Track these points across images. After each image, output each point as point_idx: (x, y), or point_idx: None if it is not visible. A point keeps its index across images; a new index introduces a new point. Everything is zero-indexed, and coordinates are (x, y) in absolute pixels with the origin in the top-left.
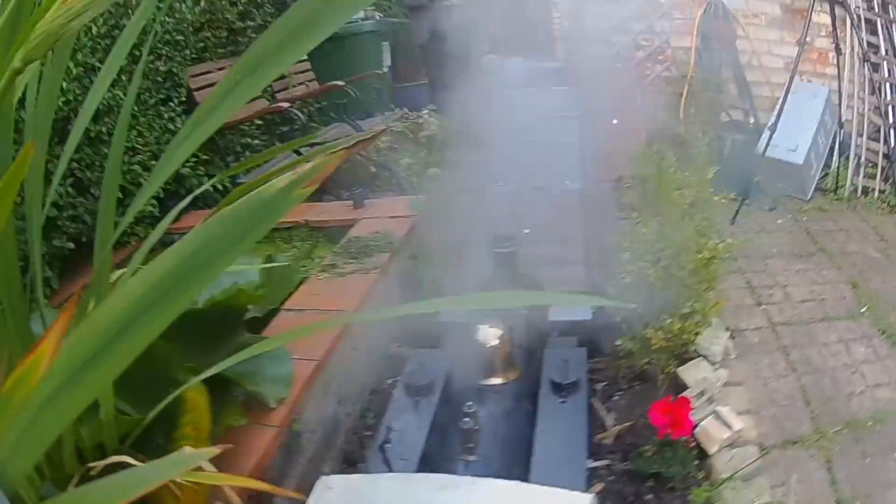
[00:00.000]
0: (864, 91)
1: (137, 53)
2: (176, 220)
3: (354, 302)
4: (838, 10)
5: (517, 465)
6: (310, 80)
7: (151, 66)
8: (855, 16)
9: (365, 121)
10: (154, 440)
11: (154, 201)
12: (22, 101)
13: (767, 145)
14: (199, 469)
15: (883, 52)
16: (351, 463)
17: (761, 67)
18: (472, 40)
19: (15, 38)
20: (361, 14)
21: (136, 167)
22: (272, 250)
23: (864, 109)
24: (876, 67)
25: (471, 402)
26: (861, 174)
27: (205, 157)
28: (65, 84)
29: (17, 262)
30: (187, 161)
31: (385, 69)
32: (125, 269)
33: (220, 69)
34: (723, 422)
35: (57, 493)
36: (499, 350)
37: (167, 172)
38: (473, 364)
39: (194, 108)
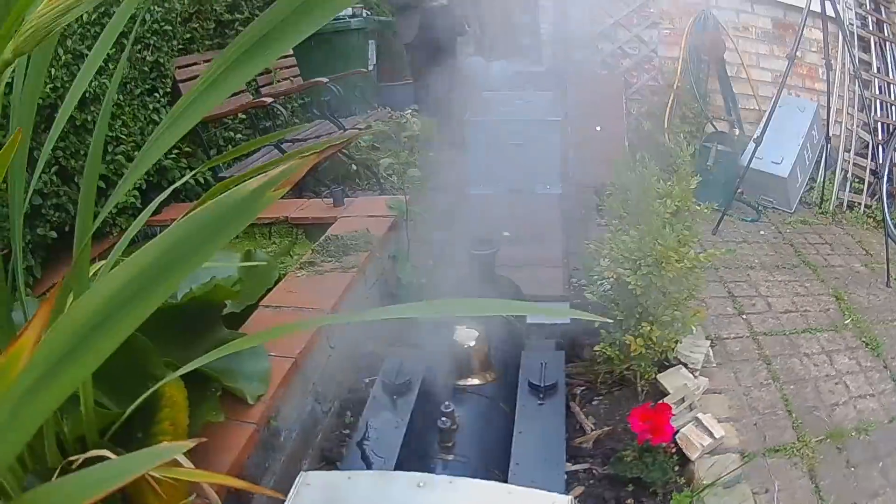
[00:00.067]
0: (854, 107)
1: (125, 42)
2: (157, 212)
3: (332, 301)
4: (831, 27)
5: (495, 466)
6: (294, 76)
7: (138, 55)
8: (848, 33)
9: (348, 119)
10: (133, 434)
11: (136, 192)
12: (10, 86)
13: (752, 157)
14: (177, 465)
15: (875, 70)
16: (329, 461)
17: (749, 80)
18: (457, 42)
19: (3, 25)
20: (349, 11)
21: (119, 157)
22: (252, 245)
23: (852, 125)
24: (867, 85)
25: (448, 402)
26: (847, 189)
27: (187, 149)
28: (53, 71)
29: None
30: (170, 153)
31: (370, 68)
32: (105, 261)
33: (207, 61)
34: (704, 429)
35: (39, 485)
36: (476, 351)
37: (147, 164)
38: (451, 364)
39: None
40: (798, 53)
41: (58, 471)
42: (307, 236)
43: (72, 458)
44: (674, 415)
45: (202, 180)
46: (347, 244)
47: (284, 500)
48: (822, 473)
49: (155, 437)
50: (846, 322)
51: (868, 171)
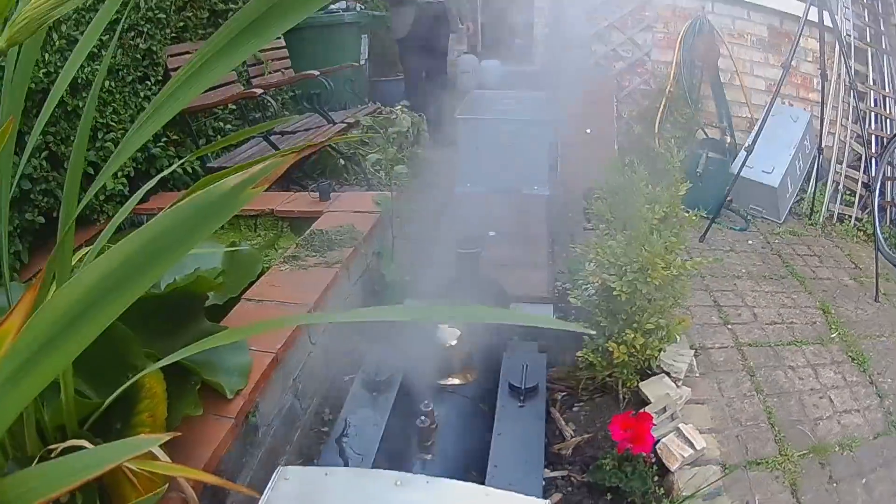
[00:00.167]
0: (848, 119)
1: (119, 29)
2: (145, 200)
3: (315, 296)
4: (828, 37)
5: (473, 467)
6: (286, 68)
7: (131, 42)
8: (845, 43)
9: (338, 112)
10: (112, 425)
11: (124, 180)
12: (1, 69)
13: (743, 165)
14: (154, 458)
15: (871, 82)
16: (308, 457)
17: (742, 87)
18: (450, 39)
19: None
20: (342, 4)
21: (109, 144)
22: (237, 237)
23: (846, 137)
24: (862, 96)
25: (428, 401)
26: (838, 201)
27: (176, 138)
28: (47, 56)
29: None
30: (158, 142)
31: (362, 62)
32: (91, 247)
33: None
34: (685, 439)
35: (18, 471)
36: (457, 350)
37: (131, 149)
38: (432, 363)
39: None
40: (793, 62)
41: (37, 459)
42: (292, 230)
43: (51, 447)
44: (655, 424)
45: (190, 169)
46: (332, 239)
47: (261, 495)
48: (803, 488)
49: (133, 429)
50: (833, 336)
51: (860, 183)
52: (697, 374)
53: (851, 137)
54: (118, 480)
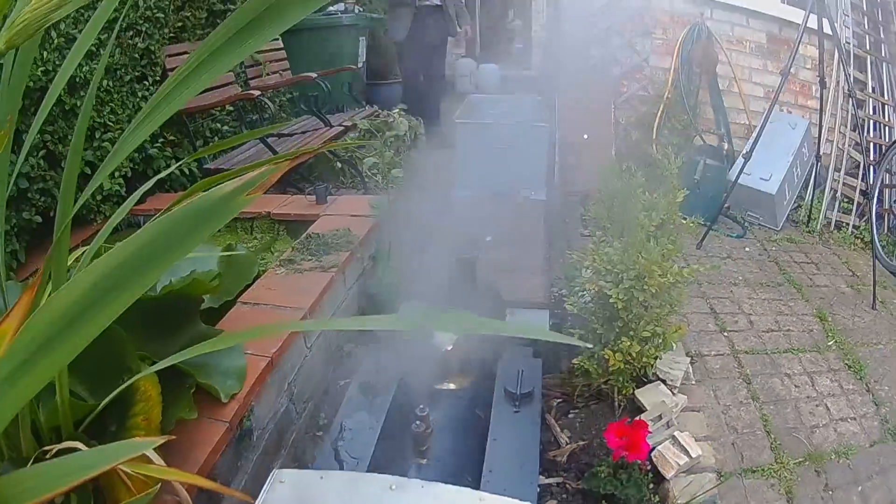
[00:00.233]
0: (847, 126)
1: (119, 27)
2: (142, 201)
3: (310, 300)
4: (827, 44)
5: (468, 472)
6: (284, 70)
7: (130, 41)
8: (844, 51)
9: (335, 115)
10: (107, 427)
11: (121, 181)
12: None
13: (740, 172)
14: (148, 461)
15: (870, 90)
16: (303, 461)
17: (740, 94)
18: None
19: None
20: (341, 6)
21: (106, 144)
22: (233, 240)
23: (844, 144)
24: (861, 104)
25: (423, 406)
26: (836, 208)
27: (173, 139)
28: (45, 54)
29: None
30: (156, 143)
31: (360, 65)
32: (88, 247)
33: None
34: (680, 447)
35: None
36: (453, 355)
37: (127, 149)
38: (428, 367)
39: None
40: (792, 69)
41: (32, 460)
42: (289, 233)
43: (46, 448)
44: (650, 432)
45: (187, 171)
46: (328, 243)
47: (256, 498)
48: (799, 496)
49: (128, 431)
50: (829, 343)
51: (858, 191)
52: (693, 382)
53: (850, 145)
54: (113, 483)
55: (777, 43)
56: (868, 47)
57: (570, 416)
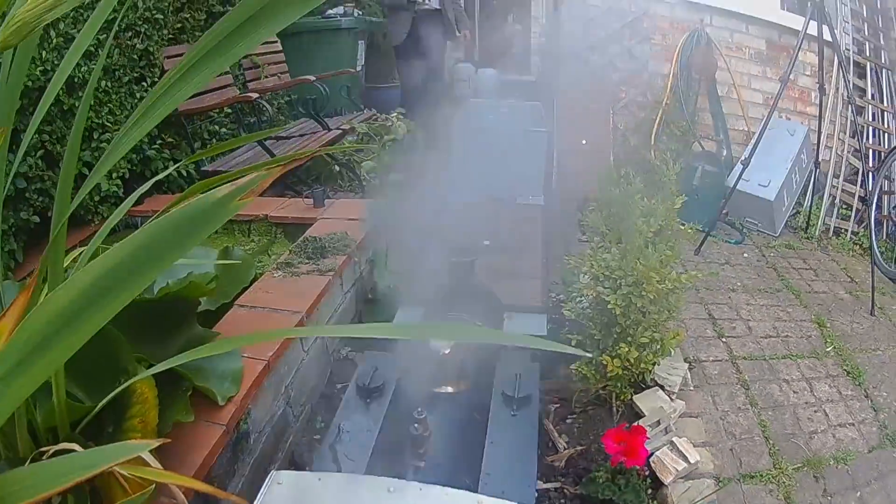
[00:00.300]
0: (846, 133)
1: (117, 28)
2: (139, 202)
3: (307, 304)
4: (826, 51)
5: (465, 475)
6: (282, 72)
7: (128, 42)
8: (844, 58)
9: (333, 118)
10: (104, 429)
11: (119, 182)
12: None
13: (739, 178)
14: (145, 464)
15: (869, 96)
16: (300, 465)
17: (739, 100)
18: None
19: None
20: (340, 9)
21: (104, 145)
22: (231, 242)
23: (843, 151)
24: (860, 111)
25: (421, 409)
26: (834, 215)
27: (171, 141)
28: (44, 53)
29: None
30: (154, 144)
31: (358, 68)
32: (84, 248)
33: None
34: (679, 452)
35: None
36: (451, 358)
37: (123, 150)
38: (426, 370)
39: None
40: (791, 76)
41: (29, 460)
42: (286, 236)
43: (43, 449)
44: (648, 437)
45: (185, 172)
46: (326, 246)
47: (254, 500)
48: (798, 501)
49: (125, 434)
50: (828, 349)
51: (856, 197)
52: (692, 388)
53: (848, 151)
54: (109, 485)
55: (776, 49)
56: (868, 54)
57: (568, 421)
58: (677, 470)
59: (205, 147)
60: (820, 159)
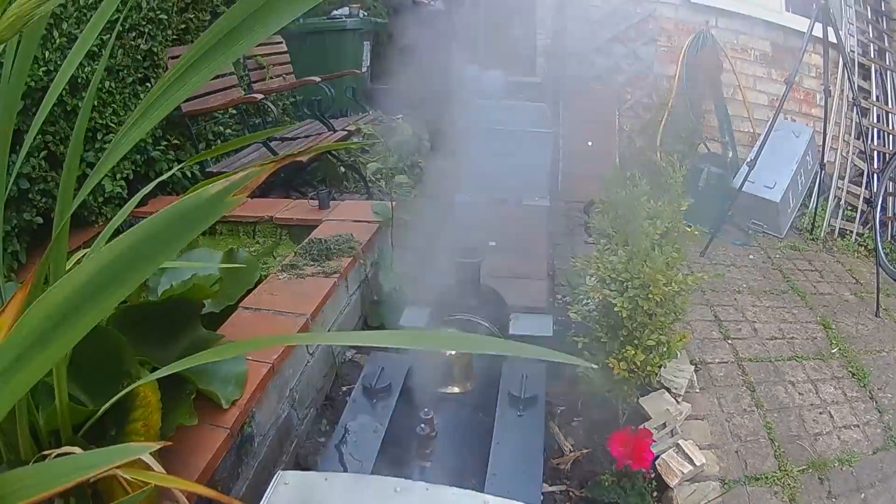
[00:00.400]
0: (851, 135)
1: (121, 28)
2: (143, 203)
3: (312, 307)
4: (832, 53)
5: (472, 475)
6: (287, 73)
7: (132, 43)
8: (849, 60)
9: (338, 119)
10: (107, 432)
11: (123, 183)
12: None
13: (745, 180)
14: (147, 468)
15: (874, 98)
16: (304, 468)
17: (744, 102)
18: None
19: None
20: (345, 10)
21: (108, 146)
22: (236, 244)
23: (848, 153)
24: (865, 112)
25: (428, 409)
26: (840, 216)
27: (176, 142)
28: (47, 54)
29: None
30: (158, 145)
31: (364, 69)
32: (88, 250)
33: None
34: (684, 455)
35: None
36: (458, 359)
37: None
38: (432, 371)
39: None
40: (796, 78)
41: (31, 463)
42: (291, 237)
43: (45, 452)
44: (654, 441)
45: (189, 173)
46: (331, 248)
47: (260, 500)
48: (802, 503)
49: (128, 437)
50: (833, 351)
51: (861, 199)
52: (697, 390)
53: (853, 153)
54: (112, 489)
55: (781, 51)
56: (873, 56)
57: (574, 424)
58: (683, 473)
59: (209, 148)
60: (825, 161)
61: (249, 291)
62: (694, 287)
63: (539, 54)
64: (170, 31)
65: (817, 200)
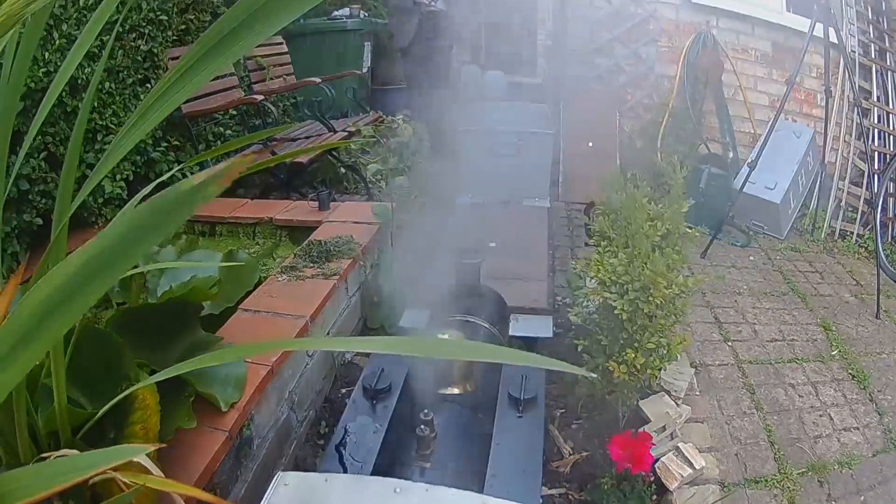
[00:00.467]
0: (851, 135)
1: (121, 29)
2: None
3: (312, 308)
4: (832, 53)
5: (471, 476)
6: (288, 74)
7: (132, 44)
8: (850, 60)
9: (339, 120)
10: (106, 435)
11: (123, 184)
12: None
13: (745, 181)
14: (145, 471)
15: (875, 98)
16: (303, 471)
17: (745, 103)
18: (454, 49)
19: None
20: (346, 11)
21: (108, 147)
22: (236, 245)
23: (849, 153)
24: (866, 113)
25: (428, 410)
26: (840, 217)
27: (176, 143)
28: (47, 55)
29: None
30: (158, 146)
31: (365, 70)
32: None
33: None
34: (684, 458)
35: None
36: (458, 360)
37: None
38: (432, 372)
39: None
40: (797, 78)
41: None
42: (291, 239)
43: (44, 455)
44: (654, 444)
45: (189, 175)
46: (330, 250)
47: (260, 500)
48: None
49: (126, 440)
50: (833, 353)
51: (862, 200)
52: (697, 392)
53: (854, 154)
54: (111, 493)
55: (782, 51)
56: (873, 56)
57: (574, 426)
58: (682, 476)
59: (209, 149)
60: (826, 161)
61: (249, 293)
62: (694, 289)
63: (540, 55)
64: (170, 32)
65: (818, 201)
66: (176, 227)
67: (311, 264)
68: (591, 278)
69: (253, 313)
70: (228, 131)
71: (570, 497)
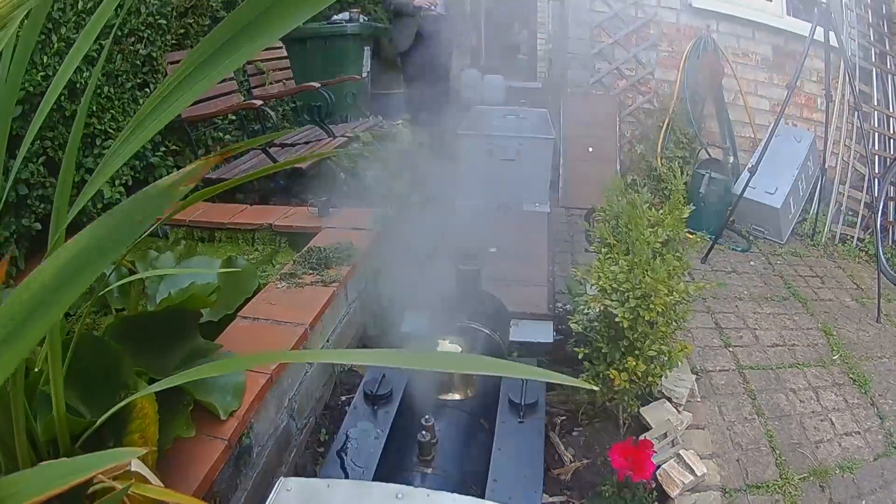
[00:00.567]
0: (852, 139)
1: (119, 33)
2: None
3: (311, 316)
4: (833, 57)
5: (473, 482)
6: (287, 79)
7: (131, 48)
8: (850, 64)
9: (338, 125)
10: (105, 443)
11: (122, 189)
12: None
13: (746, 186)
14: (144, 481)
15: (875, 102)
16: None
17: (746, 107)
18: (454, 53)
19: None
20: (346, 15)
21: (107, 152)
22: (234, 251)
23: (849, 157)
24: (866, 117)
25: (429, 416)
26: (841, 221)
27: (175, 147)
28: (45, 59)
29: None
30: (157, 151)
31: (364, 75)
32: None
33: None
34: (685, 465)
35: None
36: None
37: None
38: (433, 377)
39: None
40: (797, 82)
41: None
42: (290, 245)
43: (43, 463)
44: (655, 451)
45: None
46: (330, 257)
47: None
48: None
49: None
50: (834, 357)
51: (862, 204)
52: (698, 399)
53: (855, 158)
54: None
55: (783, 56)
56: (874, 60)
57: (574, 433)
58: (684, 483)
59: (208, 154)
60: (826, 166)
61: (248, 300)
62: (695, 296)
63: (540, 59)
64: (169, 36)
65: (818, 206)
66: (146, 228)
67: (311, 271)
68: (592, 285)
69: (252, 321)
70: (227, 136)
71: None
